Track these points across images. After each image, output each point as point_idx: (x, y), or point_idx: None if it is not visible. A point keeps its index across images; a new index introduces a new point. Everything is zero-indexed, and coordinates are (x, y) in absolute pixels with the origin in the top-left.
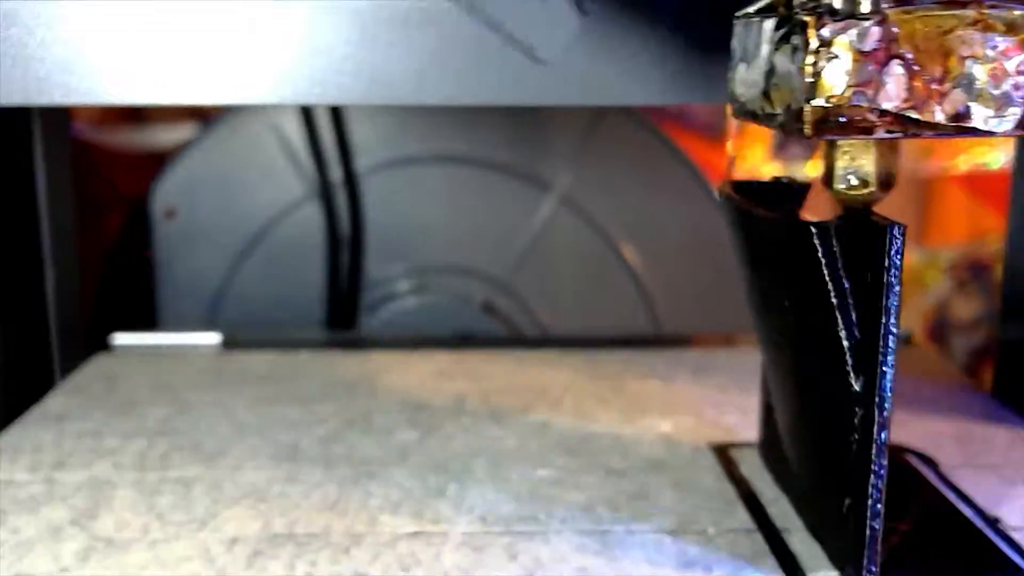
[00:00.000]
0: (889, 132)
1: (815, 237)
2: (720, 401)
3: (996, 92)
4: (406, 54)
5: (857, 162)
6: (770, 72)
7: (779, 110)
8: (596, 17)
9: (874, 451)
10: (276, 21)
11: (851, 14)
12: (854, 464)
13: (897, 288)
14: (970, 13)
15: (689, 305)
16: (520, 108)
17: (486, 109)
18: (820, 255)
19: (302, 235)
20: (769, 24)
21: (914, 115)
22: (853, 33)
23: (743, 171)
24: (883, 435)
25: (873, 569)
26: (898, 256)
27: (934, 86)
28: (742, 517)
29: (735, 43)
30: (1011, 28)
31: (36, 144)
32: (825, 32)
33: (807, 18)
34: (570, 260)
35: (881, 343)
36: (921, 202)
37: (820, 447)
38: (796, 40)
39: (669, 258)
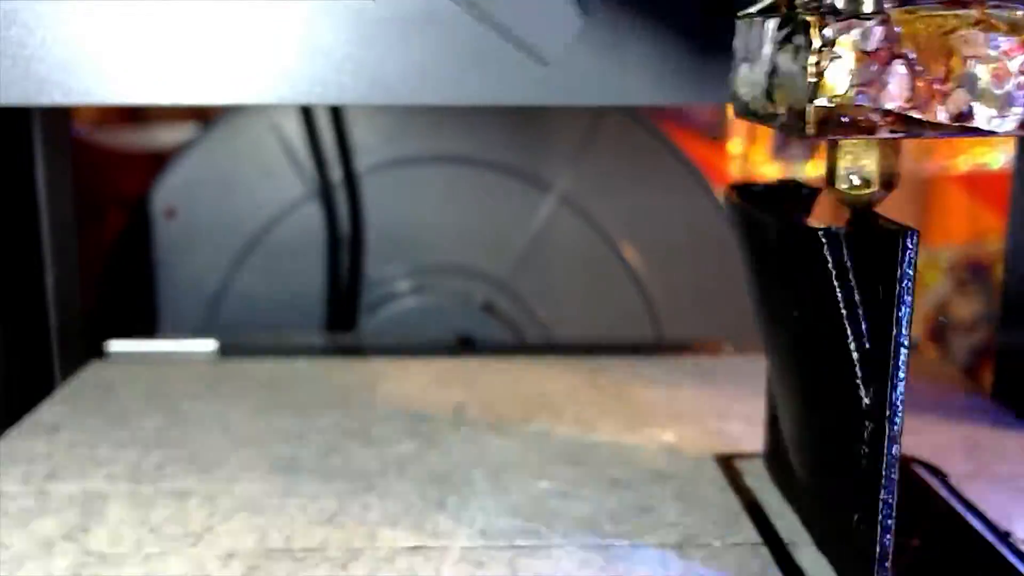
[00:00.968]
0: (892, 132)
1: (824, 244)
2: (724, 409)
3: (999, 92)
4: (406, 54)
5: (860, 162)
6: (773, 72)
7: (782, 110)
8: (597, 17)
9: (884, 465)
10: (276, 21)
11: (854, 14)
12: (864, 478)
13: (909, 298)
14: (973, 13)
15: (689, 305)
16: (520, 108)
17: (486, 109)
18: (829, 263)
19: (302, 235)
20: (772, 24)
21: (917, 115)
22: (856, 33)
23: (745, 172)
24: (894, 449)
25: None
26: (910, 264)
27: (937, 86)
28: (748, 530)
29: (737, 43)
30: (1014, 28)
31: (36, 144)
32: (828, 32)
33: (810, 18)
34: (570, 260)
35: (892, 354)
36: (921, 202)
37: (828, 460)
38: (799, 40)
39: (669, 258)
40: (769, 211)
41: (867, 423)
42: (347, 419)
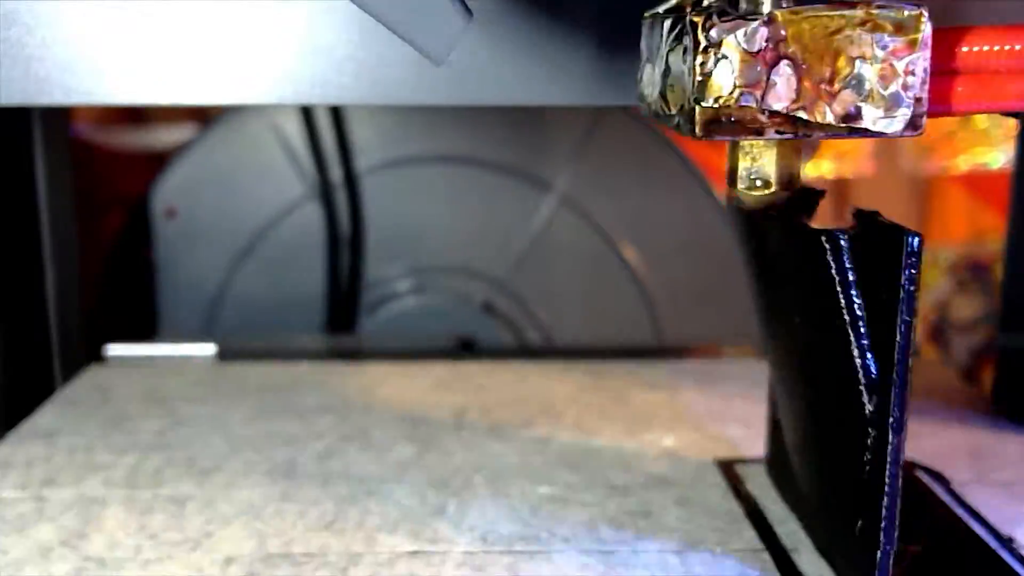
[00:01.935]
0: (779, 132)
1: (826, 247)
2: (725, 414)
3: (886, 92)
4: (406, 54)
5: (758, 163)
6: (666, 72)
7: (674, 111)
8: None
9: (888, 473)
10: (276, 21)
11: (740, 15)
12: (867, 485)
13: (913, 303)
14: (859, 13)
15: (689, 305)
16: (520, 108)
17: (486, 109)
18: (831, 267)
19: (302, 235)
20: (668, 24)
21: (804, 115)
22: (741, 33)
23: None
24: (897, 457)
25: None
26: (915, 268)
27: (823, 86)
28: (749, 536)
29: (643, 44)
30: (900, 28)
31: (36, 144)
32: (714, 32)
33: (697, 18)
34: (570, 260)
35: (896, 362)
36: (921, 202)
37: (831, 466)
38: (687, 40)
39: (669, 258)
40: (770, 211)
41: (870, 431)
42: (346, 423)
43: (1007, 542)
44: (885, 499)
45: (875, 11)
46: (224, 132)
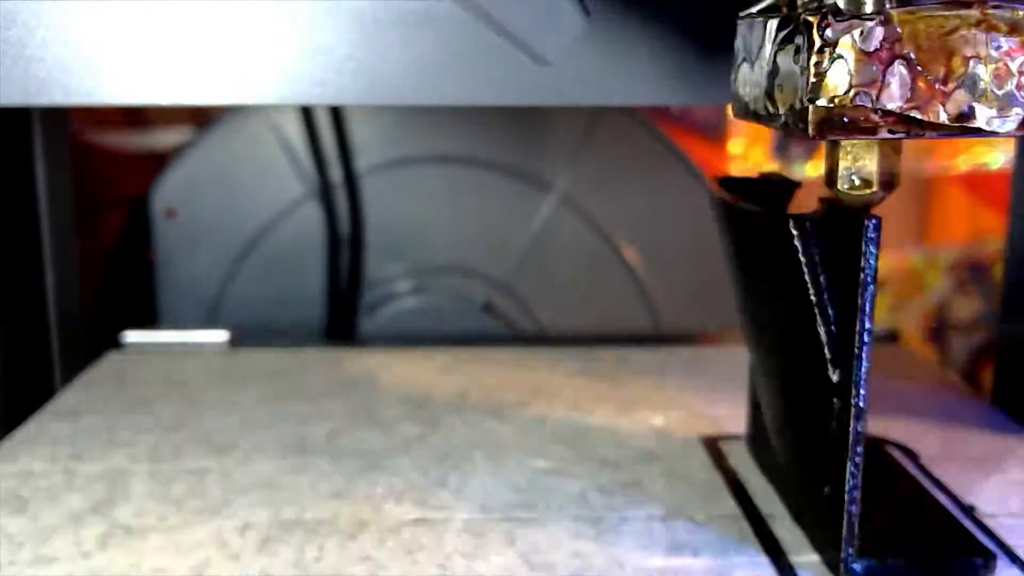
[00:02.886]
0: (892, 132)
1: (793, 229)
2: (711, 396)
3: (1000, 92)
4: (406, 54)
5: (860, 162)
6: (773, 72)
7: (782, 110)
8: (598, 16)
9: (851, 439)
10: (276, 21)
11: (855, 14)
12: (833, 452)
13: (871, 284)
14: (974, 13)
15: (689, 305)
16: (520, 108)
17: (486, 109)
18: (799, 250)
19: (302, 235)
20: (773, 24)
21: (917, 115)
22: (857, 33)
23: (746, 172)
24: (859, 424)
25: (851, 552)
26: (873, 250)
27: (937, 86)
28: (729, 505)
29: (739, 43)
30: (1014, 28)
31: (36, 144)
32: (829, 32)
33: (811, 18)
34: (570, 260)
35: (857, 335)
36: (921, 202)
37: (803, 438)
38: (800, 40)
39: (669, 258)
40: (749, 201)
41: (835, 401)
42: (353, 405)
43: (968, 510)
44: (849, 464)
45: (990, 11)
46: (224, 132)
